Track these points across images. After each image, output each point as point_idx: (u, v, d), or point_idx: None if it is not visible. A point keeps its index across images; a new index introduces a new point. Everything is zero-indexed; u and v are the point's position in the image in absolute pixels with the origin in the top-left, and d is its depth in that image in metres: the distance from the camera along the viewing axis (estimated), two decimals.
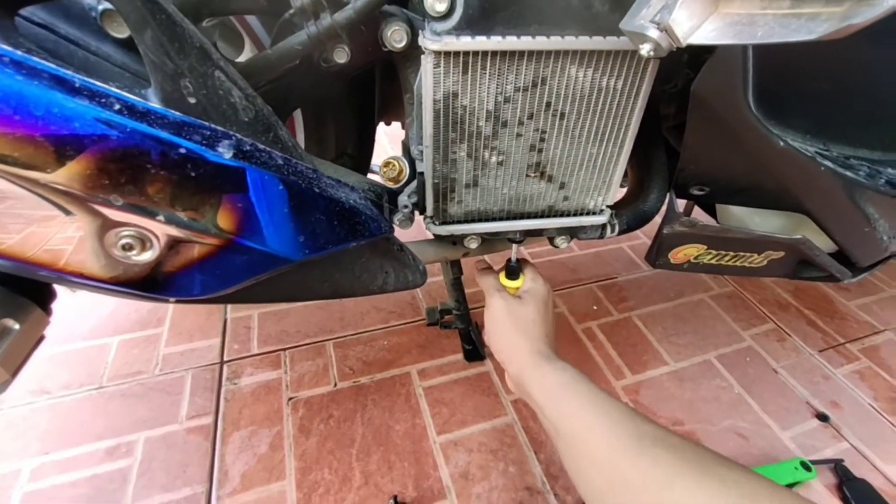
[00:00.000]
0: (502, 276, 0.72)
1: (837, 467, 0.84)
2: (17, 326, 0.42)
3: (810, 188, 0.58)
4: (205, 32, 0.57)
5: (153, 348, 0.99)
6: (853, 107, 0.69)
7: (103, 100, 0.31)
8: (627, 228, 0.76)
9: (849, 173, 0.61)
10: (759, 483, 0.36)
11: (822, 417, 0.94)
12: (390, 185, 0.66)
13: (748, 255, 0.71)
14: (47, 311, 0.47)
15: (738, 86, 0.47)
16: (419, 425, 0.88)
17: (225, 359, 0.98)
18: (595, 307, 1.19)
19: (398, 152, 0.70)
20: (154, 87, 0.35)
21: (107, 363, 0.95)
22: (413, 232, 0.72)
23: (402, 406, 0.91)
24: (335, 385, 0.94)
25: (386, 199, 0.68)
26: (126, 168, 0.33)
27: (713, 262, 0.73)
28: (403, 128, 0.83)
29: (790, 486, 0.79)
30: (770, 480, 0.37)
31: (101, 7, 0.38)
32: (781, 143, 0.52)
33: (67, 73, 0.31)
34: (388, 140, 1.85)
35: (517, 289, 0.71)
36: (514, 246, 0.76)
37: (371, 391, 0.93)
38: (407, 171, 0.64)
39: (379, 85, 0.73)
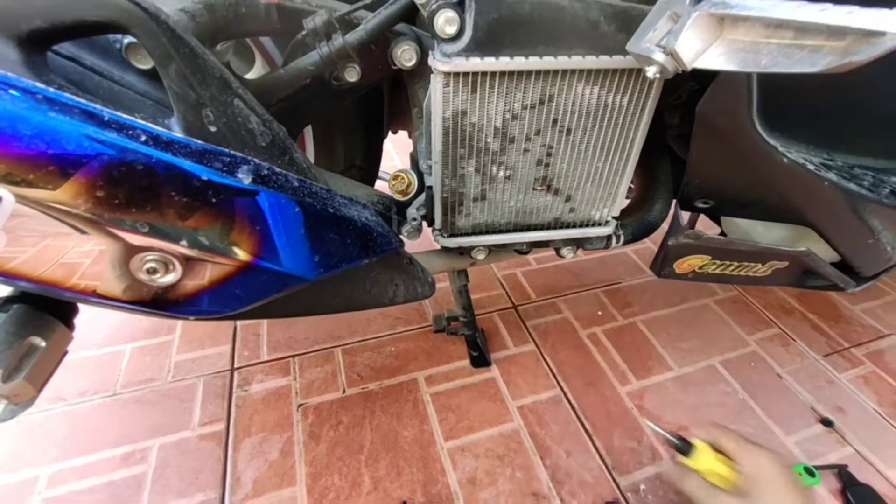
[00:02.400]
0: (684, 459, 0.56)
1: (841, 472, 0.84)
2: (43, 344, 0.43)
3: (813, 202, 0.59)
4: (220, 53, 0.58)
5: (165, 355, 1.01)
6: (856, 117, 0.70)
7: (130, 132, 0.33)
8: (633, 238, 0.77)
9: (853, 185, 0.61)
10: None
11: (827, 423, 0.95)
12: (399, 197, 0.67)
13: (752, 265, 0.72)
14: (70, 326, 0.48)
15: (743, 106, 0.48)
16: (427, 431, 0.89)
17: (235, 366, 1.00)
18: (600, 312, 1.20)
19: (404, 160, 0.71)
20: (177, 116, 0.36)
21: (120, 370, 0.97)
22: (419, 242, 0.74)
23: (410, 412, 0.92)
24: (344, 391, 0.95)
25: (394, 210, 0.69)
26: (151, 195, 0.34)
27: (718, 271, 0.74)
28: (410, 137, 0.84)
29: None
30: None
31: (126, 41, 0.39)
32: (785, 160, 0.53)
33: (97, 107, 0.32)
34: (393, 147, 1.86)
35: (729, 476, 0.52)
36: (652, 425, 0.63)
37: (379, 397, 0.95)
38: (415, 184, 0.66)
39: (387, 99, 0.74)
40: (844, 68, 0.29)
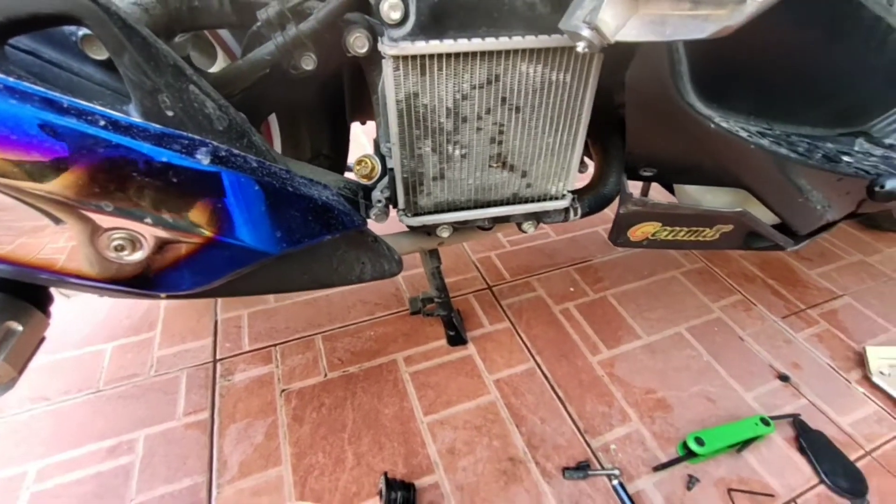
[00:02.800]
0: None
1: (795, 421, 0.90)
2: (20, 328, 0.45)
3: (744, 165, 0.63)
4: (179, 46, 0.60)
5: (147, 351, 1.02)
6: (790, 91, 0.75)
7: (90, 117, 0.35)
8: (590, 211, 0.81)
9: (782, 150, 0.66)
10: None
11: (784, 378, 1.01)
12: (364, 181, 0.70)
13: (701, 229, 0.77)
14: (46, 313, 0.50)
15: (666, 75, 0.52)
16: (407, 408, 0.93)
17: (218, 357, 1.02)
18: (572, 289, 1.24)
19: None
20: (134, 102, 0.39)
21: (102, 368, 0.99)
22: (389, 225, 0.76)
23: (390, 391, 0.96)
24: (325, 375, 0.98)
25: (361, 195, 0.72)
26: (113, 177, 0.37)
27: (670, 237, 0.79)
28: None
29: (751, 440, 0.86)
30: None
31: (80, 33, 0.41)
32: (712, 126, 0.57)
33: (56, 94, 0.34)
34: (366, 139, 1.88)
35: None
36: None
37: (360, 379, 0.98)
38: (379, 167, 0.69)
39: (348, 87, 0.77)
40: (723, 33, 0.33)
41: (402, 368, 1.01)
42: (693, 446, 0.83)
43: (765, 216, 0.76)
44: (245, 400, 0.93)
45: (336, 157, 0.85)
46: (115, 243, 0.40)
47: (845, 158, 0.77)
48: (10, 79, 0.33)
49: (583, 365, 1.03)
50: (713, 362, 1.05)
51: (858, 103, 0.85)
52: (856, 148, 0.84)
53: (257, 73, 0.59)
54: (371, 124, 0.96)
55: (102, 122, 0.36)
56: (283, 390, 0.95)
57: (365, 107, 0.84)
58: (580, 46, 0.49)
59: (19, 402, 0.91)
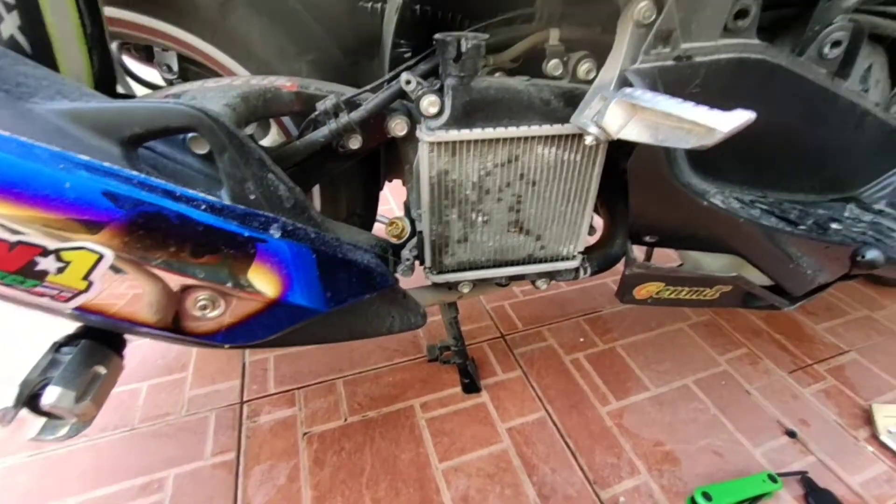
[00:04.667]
0: None
1: (803, 479, 0.92)
2: (104, 371, 0.53)
3: (735, 235, 0.71)
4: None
5: (179, 391, 1.08)
6: (781, 163, 0.84)
7: (195, 203, 0.44)
8: (598, 270, 0.88)
9: (771, 220, 0.74)
10: None
11: (791, 434, 1.03)
12: (394, 241, 0.79)
13: (702, 289, 0.84)
14: (122, 357, 0.58)
15: (663, 161, 0.61)
16: (423, 454, 0.96)
17: (245, 399, 1.07)
18: (582, 339, 1.29)
19: (397, 203, 0.83)
20: (226, 188, 0.48)
21: (138, 406, 1.04)
22: (412, 279, 0.84)
23: (407, 437, 1.00)
24: (345, 420, 1.03)
25: (391, 252, 0.81)
26: (208, 249, 0.45)
27: (673, 296, 0.85)
28: (404, 185, 0.97)
29: (759, 497, 0.88)
30: None
31: (189, 135, 0.51)
32: (704, 203, 0.65)
33: (172, 186, 0.43)
34: (389, 192, 2.00)
35: None
36: None
37: (378, 424, 1.02)
38: (408, 229, 0.78)
39: (384, 157, 0.87)
40: (703, 147, 0.41)
41: (419, 414, 1.05)
42: (701, 502, 0.85)
43: (760, 278, 0.82)
44: (269, 442, 0.98)
45: (367, 215, 0.94)
46: (201, 303, 0.47)
47: (833, 226, 0.84)
48: (142, 175, 0.42)
49: (592, 416, 1.07)
50: (720, 416, 1.08)
51: (847, 172, 0.93)
52: (846, 214, 0.91)
53: (311, 151, 0.68)
54: (395, 182, 1.06)
55: (203, 206, 0.45)
56: (306, 433, 1.00)
57: (396, 170, 0.94)
58: (588, 140, 0.58)
59: None
